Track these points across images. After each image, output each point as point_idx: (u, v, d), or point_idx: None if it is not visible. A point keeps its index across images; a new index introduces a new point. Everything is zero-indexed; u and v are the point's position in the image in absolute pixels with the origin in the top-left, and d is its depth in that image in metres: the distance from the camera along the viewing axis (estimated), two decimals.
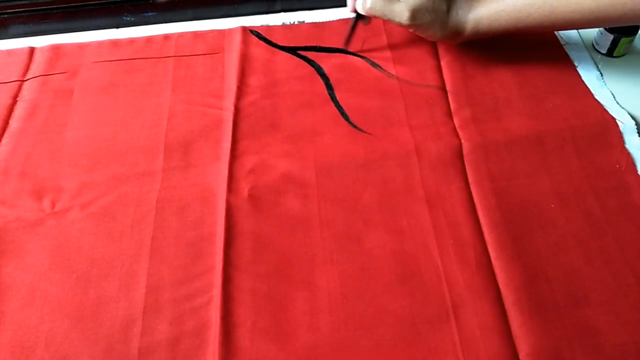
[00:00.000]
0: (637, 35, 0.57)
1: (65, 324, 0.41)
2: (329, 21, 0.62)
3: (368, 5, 0.52)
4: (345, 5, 0.55)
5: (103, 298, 0.42)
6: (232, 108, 0.53)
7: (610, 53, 0.58)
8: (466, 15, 0.52)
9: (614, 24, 0.54)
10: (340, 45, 0.59)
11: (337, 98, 0.54)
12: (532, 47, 0.58)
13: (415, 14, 0.51)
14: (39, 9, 0.65)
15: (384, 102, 0.54)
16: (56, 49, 0.60)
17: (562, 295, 0.41)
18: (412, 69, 0.55)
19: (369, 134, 0.51)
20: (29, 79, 0.57)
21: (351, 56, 0.58)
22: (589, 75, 0.56)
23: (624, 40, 0.56)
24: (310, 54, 0.59)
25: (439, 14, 0.51)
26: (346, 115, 0.53)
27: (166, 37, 0.61)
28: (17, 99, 0.56)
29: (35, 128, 0.53)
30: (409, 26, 0.52)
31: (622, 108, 0.52)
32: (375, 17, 0.54)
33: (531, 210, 0.46)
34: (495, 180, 0.47)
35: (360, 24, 0.57)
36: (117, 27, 0.64)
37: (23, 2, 0.64)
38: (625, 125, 0.51)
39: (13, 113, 0.55)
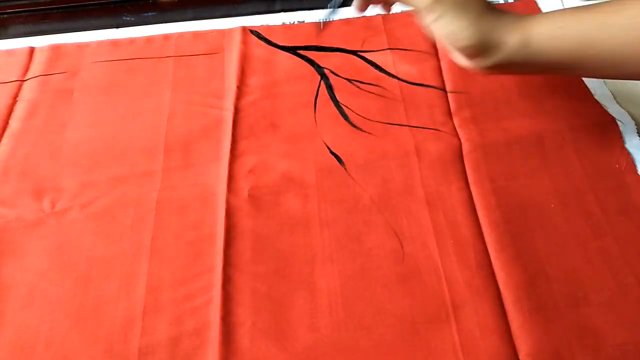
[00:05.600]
0: None
1: (65, 324, 0.41)
2: (329, 21, 0.62)
3: None
4: (345, 5, 0.55)
5: (103, 298, 0.42)
6: (232, 108, 0.53)
7: None
8: (510, 25, 0.38)
9: None
10: (340, 45, 0.59)
11: (337, 98, 0.54)
12: None
13: None
14: (39, 9, 0.64)
15: (384, 102, 0.54)
16: (56, 49, 0.60)
17: (562, 295, 0.41)
18: (412, 69, 0.55)
19: (369, 133, 0.51)
20: (29, 79, 0.57)
21: (351, 56, 0.58)
22: None
23: None
24: (310, 54, 0.59)
25: (470, 9, 0.37)
26: (346, 115, 0.53)
27: (166, 37, 0.61)
28: (17, 99, 0.56)
29: (35, 128, 0.53)
30: (429, 10, 0.38)
31: (622, 108, 0.52)
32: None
33: (531, 210, 0.46)
34: (495, 180, 0.47)
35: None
36: (117, 27, 0.64)
37: (23, 2, 0.64)
38: (625, 125, 0.51)
39: (13, 113, 0.54)
